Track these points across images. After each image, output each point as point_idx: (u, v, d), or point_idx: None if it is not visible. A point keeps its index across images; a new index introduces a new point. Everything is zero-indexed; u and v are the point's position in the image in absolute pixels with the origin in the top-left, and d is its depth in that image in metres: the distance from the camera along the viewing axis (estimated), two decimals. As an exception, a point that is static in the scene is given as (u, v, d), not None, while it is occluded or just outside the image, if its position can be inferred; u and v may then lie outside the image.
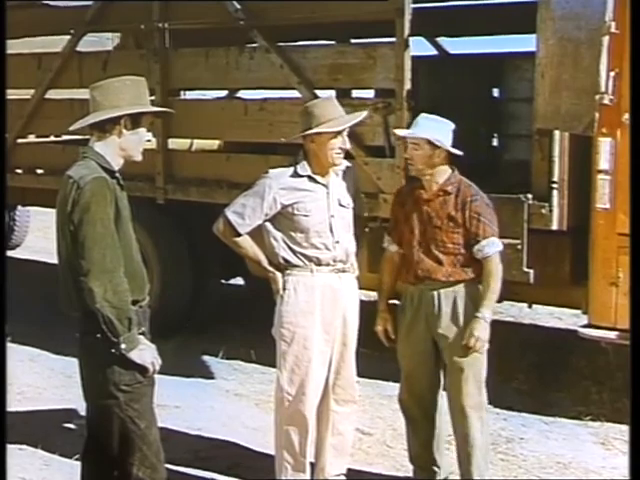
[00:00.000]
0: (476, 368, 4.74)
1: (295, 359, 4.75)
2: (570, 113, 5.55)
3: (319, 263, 4.74)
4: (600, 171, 5.76)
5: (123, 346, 3.81)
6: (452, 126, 4.74)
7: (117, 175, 3.97)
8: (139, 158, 4.05)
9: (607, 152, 5.71)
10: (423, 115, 4.77)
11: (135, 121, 3.95)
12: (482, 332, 4.63)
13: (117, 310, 3.77)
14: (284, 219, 4.73)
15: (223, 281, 8.63)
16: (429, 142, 4.64)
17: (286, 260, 4.75)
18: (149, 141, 4.13)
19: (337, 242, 4.76)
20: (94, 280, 3.76)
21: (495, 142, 8.42)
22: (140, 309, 3.98)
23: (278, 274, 4.76)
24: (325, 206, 4.75)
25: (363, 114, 4.96)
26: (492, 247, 4.69)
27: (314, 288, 4.74)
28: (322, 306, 4.74)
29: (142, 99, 4.00)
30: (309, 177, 4.75)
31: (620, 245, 5.66)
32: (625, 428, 5.74)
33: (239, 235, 4.77)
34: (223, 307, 8.51)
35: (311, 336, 4.74)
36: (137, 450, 3.99)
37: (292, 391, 4.76)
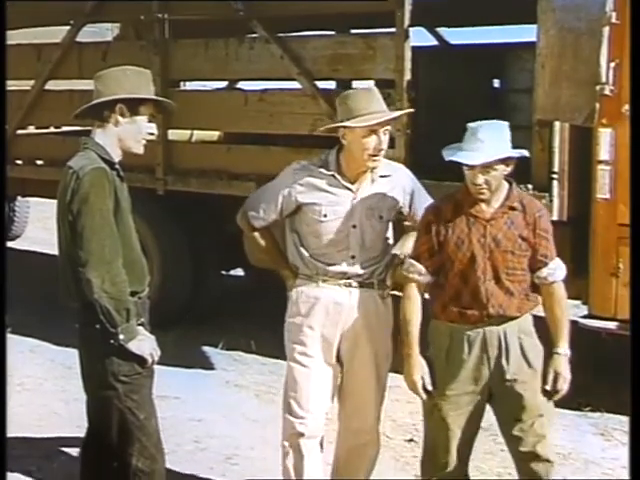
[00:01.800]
0: (552, 407, 4.10)
1: (291, 372, 4.32)
2: (570, 104, 5.55)
3: (326, 275, 4.23)
4: (600, 162, 5.75)
5: (121, 337, 3.80)
6: (507, 124, 4.03)
7: (117, 166, 3.95)
8: (138, 150, 3.99)
9: (607, 143, 5.71)
10: (477, 127, 3.90)
11: (133, 109, 3.91)
12: (568, 371, 4.02)
13: (115, 301, 3.76)
14: (300, 219, 4.25)
15: (223, 272, 8.64)
16: (502, 159, 3.86)
17: (295, 265, 4.31)
18: (152, 134, 4.07)
19: (352, 257, 4.20)
20: (92, 271, 3.74)
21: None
22: (139, 300, 3.97)
23: (289, 277, 4.35)
24: (347, 213, 4.18)
25: (401, 112, 4.39)
26: (561, 270, 4.01)
27: (316, 302, 4.25)
28: (324, 322, 4.25)
29: (141, 88, 3.95)
30: (334, 177, 4.19)
31: (620, 236, 5.66)
32: (625, 419, 5.75)
33: (255, 229, 4.38)
34: (223, 298, 8.51)
35: (308, 353, 4.27)
36: (136, 441, 3.98)
37: (286, 403, 4.35)
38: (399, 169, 4.41)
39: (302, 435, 4.27)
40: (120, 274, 3.80)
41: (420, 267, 4.00)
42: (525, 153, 4.03)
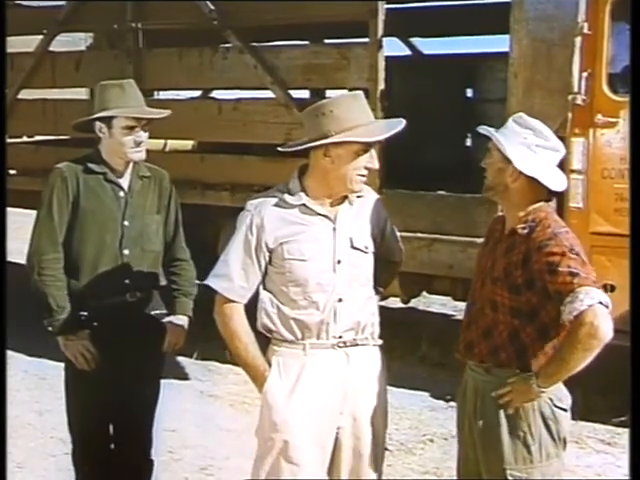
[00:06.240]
0: None
1: (271, 471, 3.39)
2: (543, 113, 5.56)
3: (317, 335, 3.36)
4: (573, 171, 5.78)
5: (49, 328, 3.92)
6: (555, 146, 3.34)
7: (100, 170, 4.00)
8: (132, 157, 4.07)
9: (579, 152, 5.74)
10: (522, 116, 3.31)
11: (108, 124, 4.01)
12: (522, 393, 3.17)
13: (37, 291, 3.91)
14: (273, 270, 3.39)
15: (198, 281, 8.60)
16: (500, 150, 3.25)
17: (269, 330, 3.43)
18: (139, 144, 4.09)
19: (339, 300, 3.35)
20: (27, 259, 3.95)
21: (469, 142, 8.44)
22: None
23: (266, 371, 3.42)
24: (330, 247, 3.35)
25: (402, 121, 3.48)
26: (581, 300, 3.06)
27: (306, 376, 3.36)
28: (317, 404, 3.36)
29: (115, 102, 4.11)
30: (304, 206, 3.35)
31: (593, 244, 5.68)
32: (599, 427, 5.80)
33: (237, 309, 3.47)
34: (198, 307, 8.46)
35: (298, 446, 3.35)
36: None
37: None
38: (368, 188, 3.54)
39: None
40: (49, 268, 3.90)
41: None
42: (515, 162, 3.22)
